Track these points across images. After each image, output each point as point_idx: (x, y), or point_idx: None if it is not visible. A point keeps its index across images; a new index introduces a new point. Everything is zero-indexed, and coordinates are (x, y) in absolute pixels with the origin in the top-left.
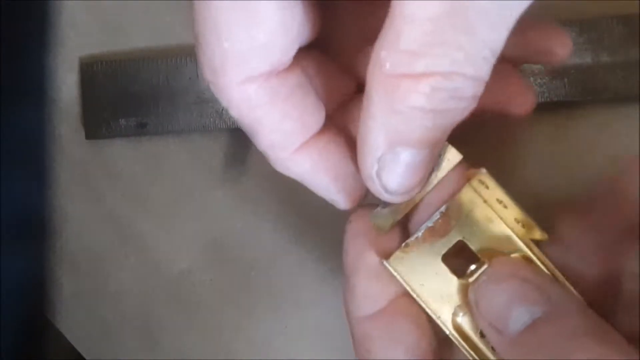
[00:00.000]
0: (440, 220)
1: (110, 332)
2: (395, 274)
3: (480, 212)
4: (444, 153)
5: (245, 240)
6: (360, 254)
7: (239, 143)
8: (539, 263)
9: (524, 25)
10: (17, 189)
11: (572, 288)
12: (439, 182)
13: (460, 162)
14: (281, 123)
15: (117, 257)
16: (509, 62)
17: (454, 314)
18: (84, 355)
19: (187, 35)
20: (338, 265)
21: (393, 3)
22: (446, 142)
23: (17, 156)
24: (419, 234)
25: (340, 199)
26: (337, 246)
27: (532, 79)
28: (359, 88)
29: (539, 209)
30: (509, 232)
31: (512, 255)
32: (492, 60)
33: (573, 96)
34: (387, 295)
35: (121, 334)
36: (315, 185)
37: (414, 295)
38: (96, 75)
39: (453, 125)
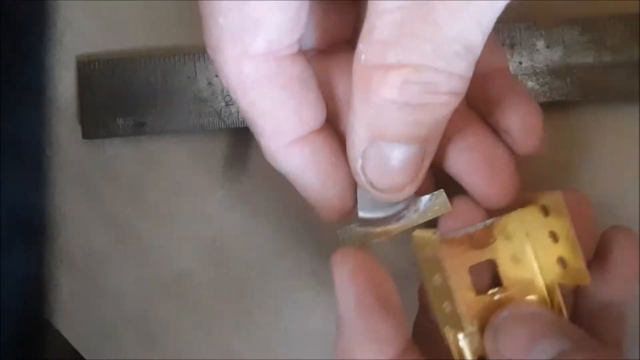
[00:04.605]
0: (480, 232)
1: (110, 332)
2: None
3: (518, 242)
4: (436, 198)
5: (245, 240)
6: (363, 294)
7: (239, 143)
8: (556, 309)
9: (504, 96)
10: (15, 189)
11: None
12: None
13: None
14: (276, 109)
15: (116, 257)
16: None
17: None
18: (84, 355)
19: (185, 34)
20: None
21: None
22: (441, 190)
23: (14, 156)
24: (457, 235)
25: (324, 206)
26: (337, 247)
27: (534, 77)
28: None
29: None
30: (537, 274)
31: (530, 298)
32: (470, 58)
33: (575, 95)
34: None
35: (121, 334)
36: (302, 185)
37: (428, 283)
38: (93, 74)
39: (439, 122)
